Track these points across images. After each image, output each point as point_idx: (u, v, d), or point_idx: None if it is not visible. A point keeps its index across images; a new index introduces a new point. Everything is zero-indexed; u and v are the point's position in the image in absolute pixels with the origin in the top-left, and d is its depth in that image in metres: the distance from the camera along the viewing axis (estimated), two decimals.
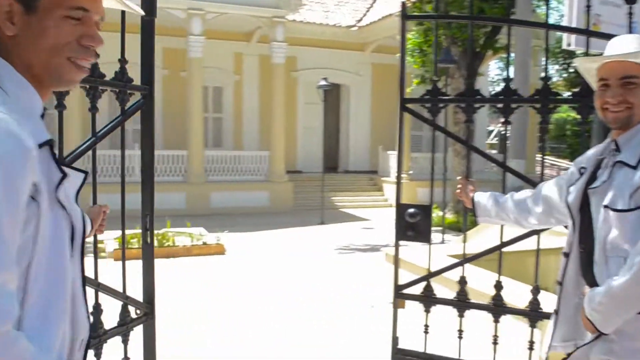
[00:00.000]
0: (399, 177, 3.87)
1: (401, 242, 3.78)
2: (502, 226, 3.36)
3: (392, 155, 19.30)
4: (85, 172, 1.50)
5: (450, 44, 13.41)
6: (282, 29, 16.44)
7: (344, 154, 21.47)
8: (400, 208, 3.72)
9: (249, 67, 19.51)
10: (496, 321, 3.57)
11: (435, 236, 5.51)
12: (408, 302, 3.84)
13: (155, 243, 10.23)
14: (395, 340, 3.82)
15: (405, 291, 3.83)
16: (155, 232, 10.45)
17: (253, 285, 8.09)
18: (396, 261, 3.84)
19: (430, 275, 3.81)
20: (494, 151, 23.33)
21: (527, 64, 12.96)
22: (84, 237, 1.43)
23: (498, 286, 3.60)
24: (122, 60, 2.97)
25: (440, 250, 6.98)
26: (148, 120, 3.23)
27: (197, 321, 6.26)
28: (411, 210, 3.67)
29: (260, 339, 5.68)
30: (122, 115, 3.03)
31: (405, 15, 3.75)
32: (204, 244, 10.56)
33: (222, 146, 18.95)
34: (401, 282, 3.82)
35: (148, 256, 3.35)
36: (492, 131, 32.25)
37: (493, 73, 36.78)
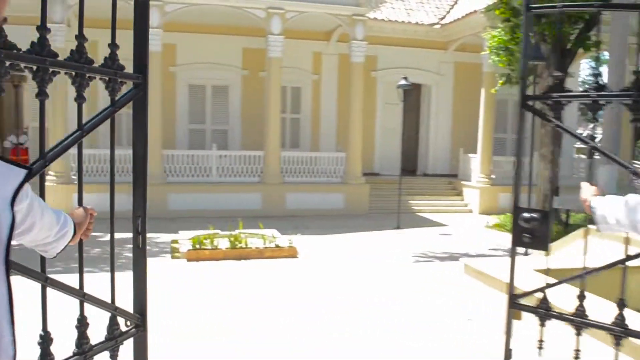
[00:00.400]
0: (517, 180, 3.64)
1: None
2: (626, 237, 3.00)
3: (474, 159, 18.55)
4: (28, 169, 1.24)
5: (539, 40, 12.62)
6: (362, 28, 16.10)
7: (423, 157, 20.86)
8: (516, 212, 3.50)
9: (328, 67, 19.28)
10: (617, 344, 3.16)
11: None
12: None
13: (228, 244, 10.20)
14: (508, 352, 3.58)
15: (520, 301, 3.59)
16: (228, 233, 10.43)
17: (324, 291, 7.77)
18: (512, 269, 3.61)
19: (547, 286, 3.56)
20: (582, 156, 22.01)
21: (624, 62, 12.04)
22: (7, 249, 1.21)
23: (621, 305, 3.18)
24: (113, 45, 2.66)
25: (524, 263, 6.44)
26: (141, 112, 2.92)
27: (268, 330, 6.01)
28: (527, 214, 3.42)
29: (337, 355, 5.34)
30: (112, 106, 2.72)
31: (528, 7, 3.50)
32: (277, 246, 10.37)
33: (299, 147, 18.83)
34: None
35: (139, 262, 3.02)
36: (581, 134, 30.56)
37: (583, 74, 34.94)
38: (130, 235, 2.95)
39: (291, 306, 6.90)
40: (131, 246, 2.99)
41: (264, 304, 6.97)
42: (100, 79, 2.64)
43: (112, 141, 2.76)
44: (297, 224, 14.43)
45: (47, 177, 13.26)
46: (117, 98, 2.75)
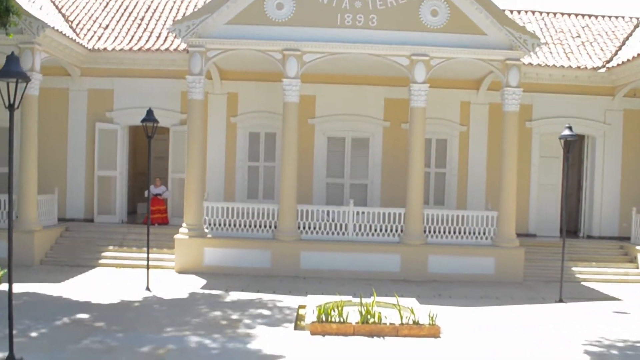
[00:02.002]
0: None
1: None
2: None
3: None
4: None
5: None
6: (516, 73, 14.48)
7: (586, 216, 18.34)
8: None
9: (477, 117, 17.74)
10: None
11: None
12: None
13: (358, 317, 8.91)
14: None
15: None
16: (360, 301, 9.15)
17: None
18: None
19: None
20: None
21: None
22: None
23: None
24: None
25: None
26: None
27: None
28: None
29: None
30: None
31: None
32: (415, 323, 8.95)
33: (443, 204, 17.32)
34: None
35: None
36: None
37: None
38: None
39: None
40: None
41: None
42: None
43: None
44: (440, 291, 12.87)
45: None
46: None
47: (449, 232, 14.77)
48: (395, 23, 14.41)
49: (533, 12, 21.08)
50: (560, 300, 12.29)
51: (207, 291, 12.24)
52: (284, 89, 14.35)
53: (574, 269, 15.27)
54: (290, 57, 14.27)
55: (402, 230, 14.65)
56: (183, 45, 16.30)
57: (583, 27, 20.14)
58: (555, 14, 21.13)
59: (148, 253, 12.37)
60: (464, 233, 14.78)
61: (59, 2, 19.47)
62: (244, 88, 17.39)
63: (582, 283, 14.71)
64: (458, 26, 14.44)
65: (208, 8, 14.28)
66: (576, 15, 21.12)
